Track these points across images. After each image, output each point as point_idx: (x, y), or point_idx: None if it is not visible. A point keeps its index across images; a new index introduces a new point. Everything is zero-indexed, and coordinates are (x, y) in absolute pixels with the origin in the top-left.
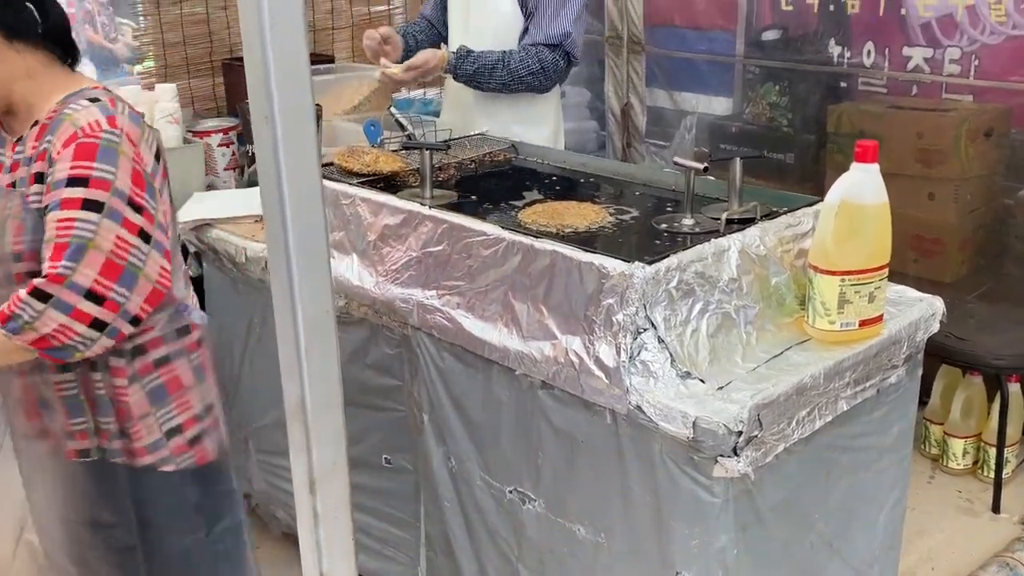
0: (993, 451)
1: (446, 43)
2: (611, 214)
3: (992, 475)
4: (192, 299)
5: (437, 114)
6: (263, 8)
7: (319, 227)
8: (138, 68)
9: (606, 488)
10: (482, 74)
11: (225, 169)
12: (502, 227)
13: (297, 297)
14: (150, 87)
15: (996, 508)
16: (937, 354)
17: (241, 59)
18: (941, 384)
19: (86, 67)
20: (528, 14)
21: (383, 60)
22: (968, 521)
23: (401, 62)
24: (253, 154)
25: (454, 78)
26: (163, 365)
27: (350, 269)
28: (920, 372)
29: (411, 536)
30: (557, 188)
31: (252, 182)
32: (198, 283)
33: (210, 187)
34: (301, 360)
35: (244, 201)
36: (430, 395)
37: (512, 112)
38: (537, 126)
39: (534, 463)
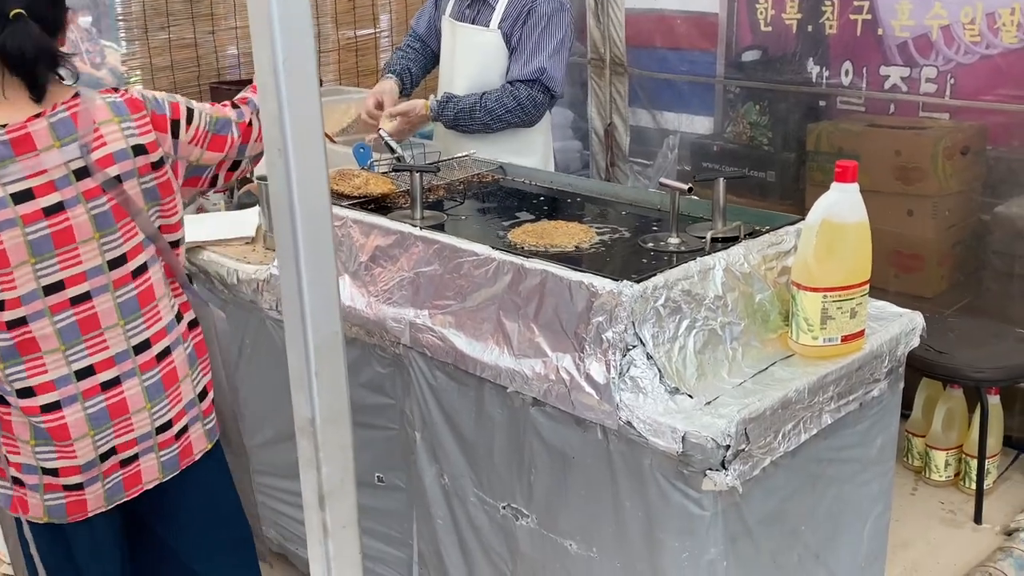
0: (974, 463)
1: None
2: (598, 233)
3: (974, 487)
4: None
5: (429, 137)
6: (276, 42)
7: (328, 252)
8: None
9: (598, 503)
10: (462, 118)
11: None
12: (492, 247)
13: (308, 319)
14: None
15: (978, 519)
16: (918, 367)
17: (228, 82)
18: (922, 397)
19: None
20: (512, 49)
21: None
22: (951, 532)
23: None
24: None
25: (443, 124)
26: None
27: (342, 290)
28: (902, 386)
29: (404, 554)
30: (545, 208)
31: (242, 204)
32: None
33: (200, 210)
34: (312, 378)
35: (234, 223)
36: (423, 413)
37: (501, 143)
38: (525, 156)
39: (526, 479)
